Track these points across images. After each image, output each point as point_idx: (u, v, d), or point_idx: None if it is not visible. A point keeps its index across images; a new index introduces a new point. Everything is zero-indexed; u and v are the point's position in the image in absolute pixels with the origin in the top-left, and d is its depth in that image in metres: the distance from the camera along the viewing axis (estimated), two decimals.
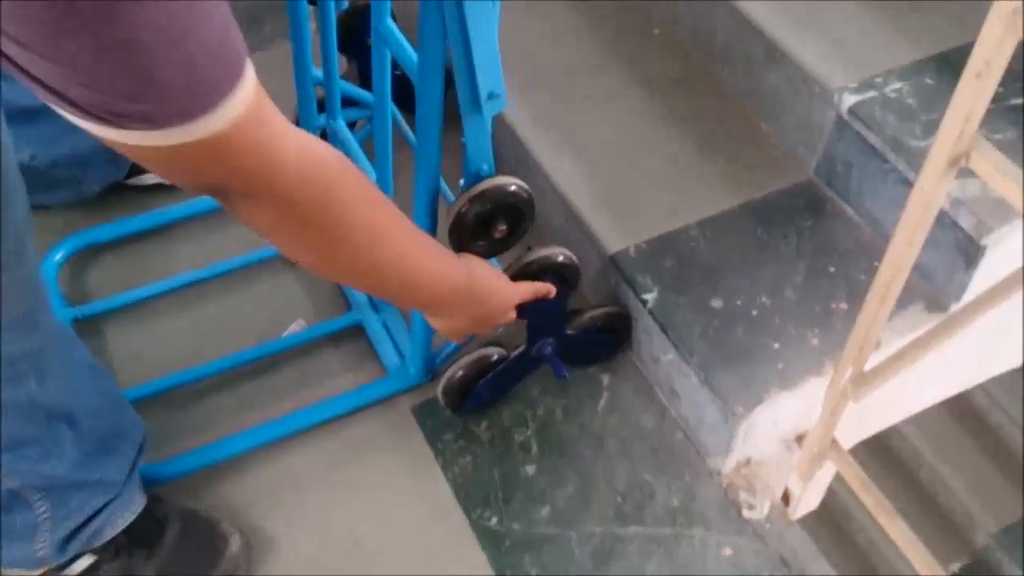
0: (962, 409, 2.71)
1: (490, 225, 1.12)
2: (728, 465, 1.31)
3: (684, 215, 1.41)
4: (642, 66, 1.62)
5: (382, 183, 1.32)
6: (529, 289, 1.17)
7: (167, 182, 1.65)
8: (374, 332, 1.44)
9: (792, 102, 1.44)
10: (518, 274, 1.21)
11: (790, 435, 1.36)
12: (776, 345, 1.26)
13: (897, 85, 1.35)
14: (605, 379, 1.41)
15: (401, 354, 1.41)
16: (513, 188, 1.11)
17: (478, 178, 1.10)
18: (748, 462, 1.33)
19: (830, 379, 1.15)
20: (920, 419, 1.75)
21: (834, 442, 1.25)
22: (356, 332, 1.45)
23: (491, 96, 1.02)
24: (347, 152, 1.39)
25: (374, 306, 1.46)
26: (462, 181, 1.12)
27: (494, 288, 1.11)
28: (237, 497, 1.26)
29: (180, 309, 1.47)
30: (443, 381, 1.31)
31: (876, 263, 1.32)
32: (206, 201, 1.56)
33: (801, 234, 1.39)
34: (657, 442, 1.35)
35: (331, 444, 1.33)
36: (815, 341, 1.27)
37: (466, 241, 1.12)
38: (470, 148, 1.08)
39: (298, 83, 1.44)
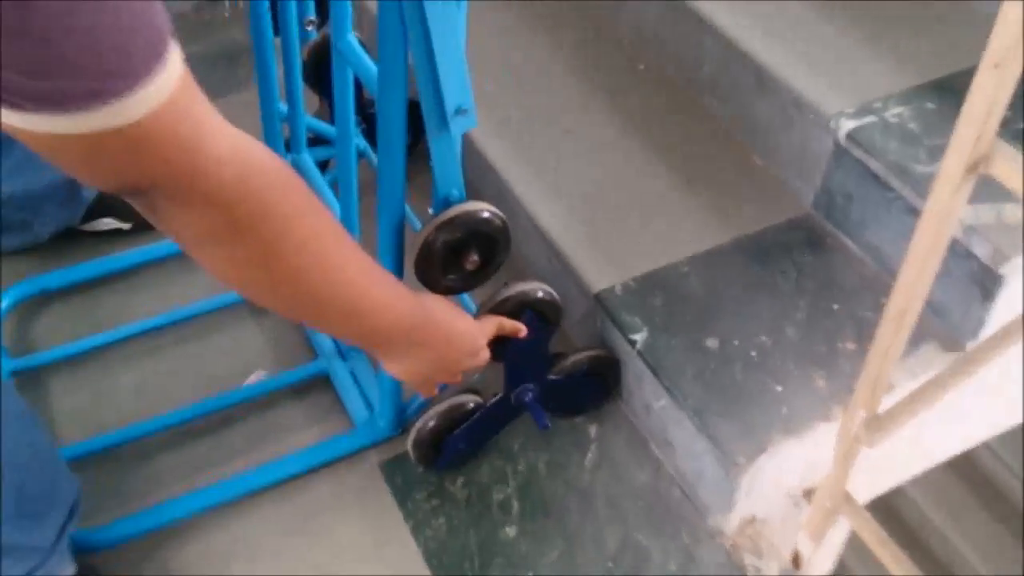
0: (968, 470, 2.59)
1: (461, 255, 1.02)
2: (731, 524, 1.18)
3: (673, 252, 1.31)
4: (625, 100, 1.54)
5: (346, 219, 1.22)
6: (492, 326, 1.06)
7: (124, 227, 1.61)
8: (341, 382, 1.32)
9: (786, 131, 1.35)
10: (494, 312, 1.10)
11: (797, 489, 1.24)
12: (779, 388, 1.15)
13: (897, 110, 1.26)
14: (593, 430, 1.29)
15: (370, 405, 1.29)
16: (486, 215, 1.01)
17: (447, 204, 1.00)
18: (753, 520, 1.21)
19: (840, 424, 1.04)
20: (924, 480, 1.65)
21: (847, 496, 1.13)
22: (322, 383, 1.34)
23: (459, 111, 0.93)
24: (312, 188, 1.29)
25: (341, 354, 1.35)
26: (431, 209, 1.02)
27: (453, 327, 0.98)
28: (181, 567, 1.13)
29: (130, 361, 1.36)
30: (413, 433, 1.19)
31: (883, 300, 1.21)
32: (164, 247, 1.46)
33: (801, 270, 1.28)
34: (651, 499, 1.22)
35: (288, 507, 1.20)
36: (821, 383, 1.16)
37: (435, 273, 1.02)
38: (438, 171, 0.98)
39: (264, 118, 1.35)
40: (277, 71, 1.30)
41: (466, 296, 1.33)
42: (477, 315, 1.10)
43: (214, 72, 1.79)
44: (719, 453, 1.10)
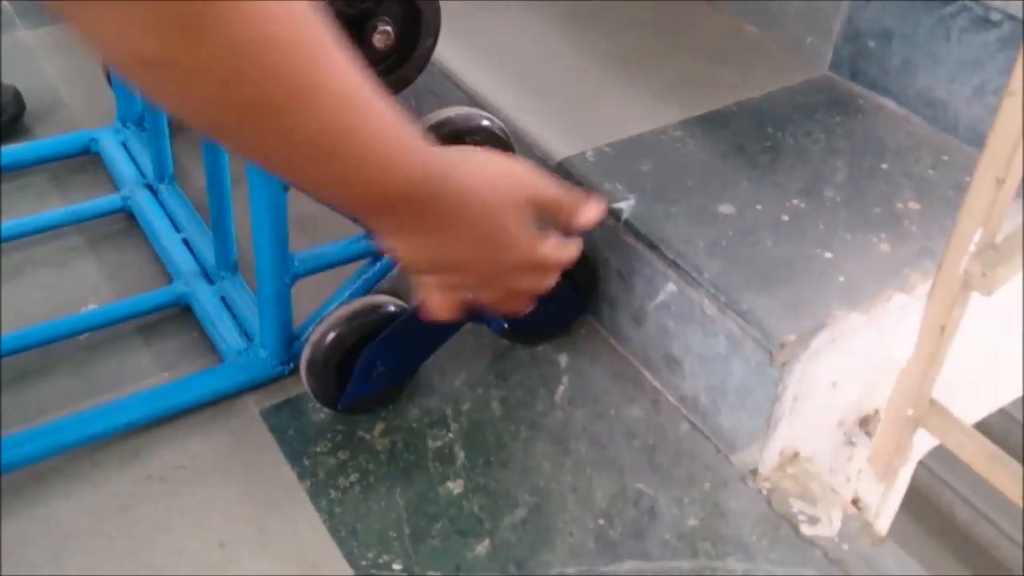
0: None
1: (365, 24, 0.66)
2: (767, 460, 0.82)
3: (657, 118, 0.98)
4: None
5: None
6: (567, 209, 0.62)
7: None
8: (207, 310, 0.94)
9: None
10: None
11: (852, 416, 0.88)
12: (828, 255, 0.81)
13: None
14: (563, 360, 0.93)
15: (248, 337, 0.91)
16: None
17: None
18: (796, 456, 0.85)
19: (940, 266, 0.70)
20: None
21: (933, 403, 0.79)
22: (181, 315, 0.95)
23: None
24: None
25: (207, 275, 0.97)
26: None
27: (493, 217, 0.56)
28: None
29: None
30: (307, 349, 0.82)
31: (944, 156, 0.90)
32: None
33: (830, 131, 0.96)
34: (652, 438, 0.86)
35: (130, 471, 0.80)
36: (885, 247, 0.82)
37: None
38: None
39: None
40: None
41: None
42: None
43: None
44: (757, 334, 0.74)
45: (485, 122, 0.77)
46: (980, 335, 0.89)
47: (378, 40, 0.67)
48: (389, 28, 0.67)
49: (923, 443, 0.86)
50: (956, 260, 0.67)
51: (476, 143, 0.76)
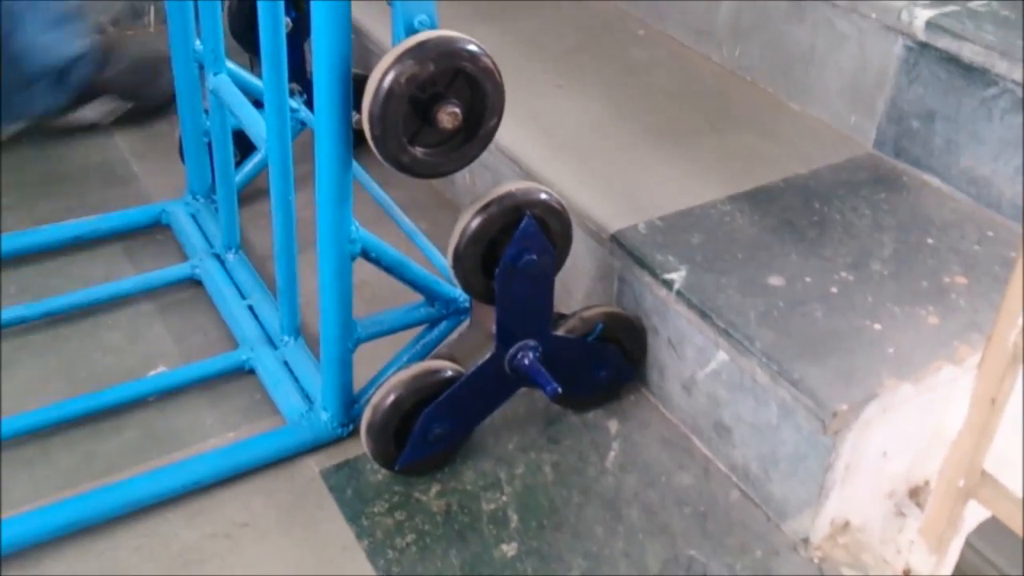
0: None
1: (435, 108, 0.71)
2: (819, 529, 0.83)
3: (705, 192, 1.01)
4: (624, 57, 1.28)
5: (282, 194, 0.90)
6: None
7: (104, 122, 1.36)
8: (270, 374, 0.97)
9: (833, 54, 1.09)
10: (482, 215, 0.78)
11: (902, 486, 0.89)
12: (877, 326, 0.83)
13: (982, 0, 1.00)
14: (613, 426, 0.95)
15: (309, 399, 0.94)
16: (470, 47, 0.71)
17: (412, 31, 0.70)
18: (847, 526, 0.85)
19: (987, 342, 0.71)
20: None
21: (984, 475, 0.79)
22: (245, 379, 0.99)
23: None
24: (234, 107, 0.99)
25: (271, 341, 1.01)
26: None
27: None
28: None
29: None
30: (367, 412, 0.85)
31: (989, 232, 0.92)
32: (50, 231, 1.14)
33: (876, 207, 0.99)
34: (703, 505, 0.87)
35: (196, 527, 0.83)
36: (934, 320, 0.84)
37: (396, 134, 0.70)
38: None
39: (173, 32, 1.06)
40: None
41: (434, 250, 1.01)
42: (455, 247, 0.79)
43: None
44: (810, 403, 0.76)
45: (543, 195, 0.81)
46: None
47: (447, 120, 0.71)
48: (457, 110, 0.71)
49: (974, 515, 0.86)
50: (1006, 332, 0.69)
51: (535, 215, 0.80)
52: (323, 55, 0.70)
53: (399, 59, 0.68)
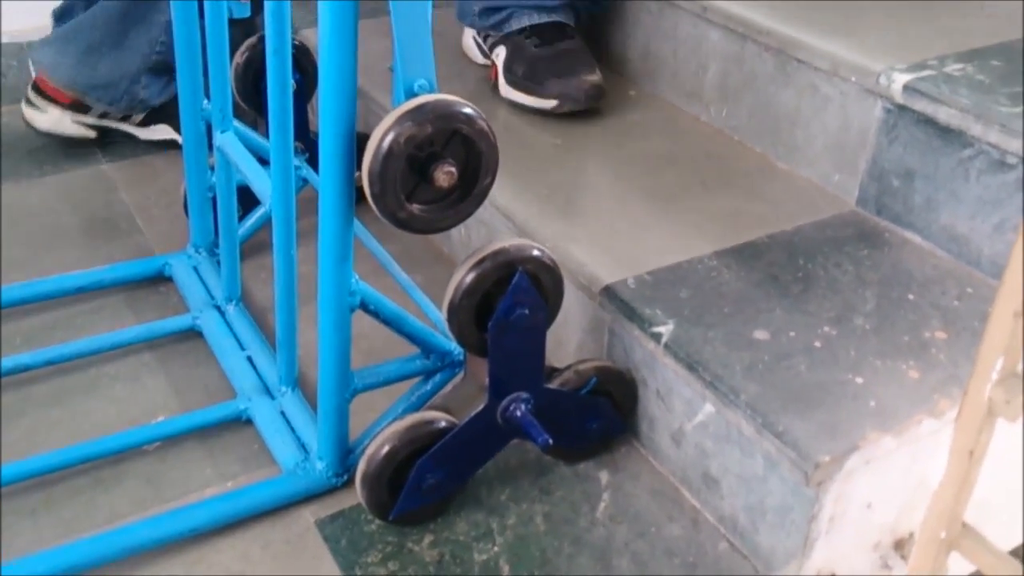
0: None
1: (432, 167, 0.74)
2: None
3: (693, 248, 1.04)
4: (616, 120, 1.32)
5: (285, 251, 0.93)
6: None
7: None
8: (267, 423, 0.99)
9: (818, 115, 1.13)
10: (476, 271, 0.81)
11: (887, 538, 0.91)
12: (859, 380, 0.85)
13: (958, 65, 1.04)
14: (603, 477, 0.97)
15: (306, 449, 0.96)
16: (466, 110, 0.74)
17: (412, 94, 0.74)
18: None
19: (965, 393, 0.74)
20: None
21: (965, 527, 0.81)
22: (242, 428, 1.01)
23: None
24: (239, 163, 1.02)
25: (269, 391, 1.03)
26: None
27: None
28: None
29: None
30: (362, 463, 0.87)
31: (968, 289, 0.95)
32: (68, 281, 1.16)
33: (859, 263, 1.02)
34: (691, 556, 0.89)
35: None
36: (914, 374, 0.86)
37: (395, 192, 0.74)
38: (401, 51, 0.73)
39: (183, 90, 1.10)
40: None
41: (430, 303, 1.04)
42: (450, 301, 0.82)
43: None
44: (793, 455, 0.78)
45: (536, 252, 0.83)
46: (1014, 461, 0.92)
47: (443, 179, 0.74)
48: (453, 169, 0.74)
49: (959, 567, 0.88)
50: (980, 387, 0.71)
51: (527, 271, 0.82)
52: (329, 119, 0.74)
53: (399, 120, 0.72)
